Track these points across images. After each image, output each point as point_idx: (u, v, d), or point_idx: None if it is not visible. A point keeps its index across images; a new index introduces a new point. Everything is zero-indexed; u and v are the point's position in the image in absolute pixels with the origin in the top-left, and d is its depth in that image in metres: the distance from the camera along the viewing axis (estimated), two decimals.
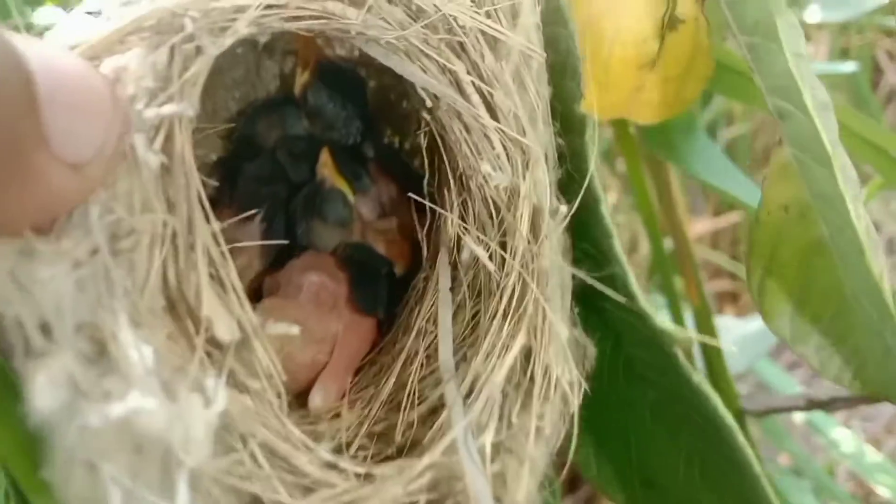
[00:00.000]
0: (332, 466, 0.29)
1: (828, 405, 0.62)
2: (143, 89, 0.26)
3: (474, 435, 0.29)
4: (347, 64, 0.49)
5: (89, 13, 0.30)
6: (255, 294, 0.43)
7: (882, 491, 0.71)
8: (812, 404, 0.63)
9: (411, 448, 0.32)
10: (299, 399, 0.40)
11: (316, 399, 0.38)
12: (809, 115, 0.32)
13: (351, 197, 0.45)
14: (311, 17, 0.29)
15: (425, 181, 0.37)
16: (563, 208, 0.32)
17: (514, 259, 0.32)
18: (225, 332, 0.27)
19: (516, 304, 0.32)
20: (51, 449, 0.23)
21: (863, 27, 1.26)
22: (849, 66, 0.86)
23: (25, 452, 0.26)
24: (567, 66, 0.35)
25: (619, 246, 0.32)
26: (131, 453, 0.23)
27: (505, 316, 0.32)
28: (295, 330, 0.28)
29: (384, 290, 0.42)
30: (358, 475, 0.29)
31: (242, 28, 0.27)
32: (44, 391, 0.22)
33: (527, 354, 0.31)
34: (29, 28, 0.34)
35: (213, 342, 0.28)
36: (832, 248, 0.37)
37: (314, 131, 0.49)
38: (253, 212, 0.42)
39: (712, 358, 0.64)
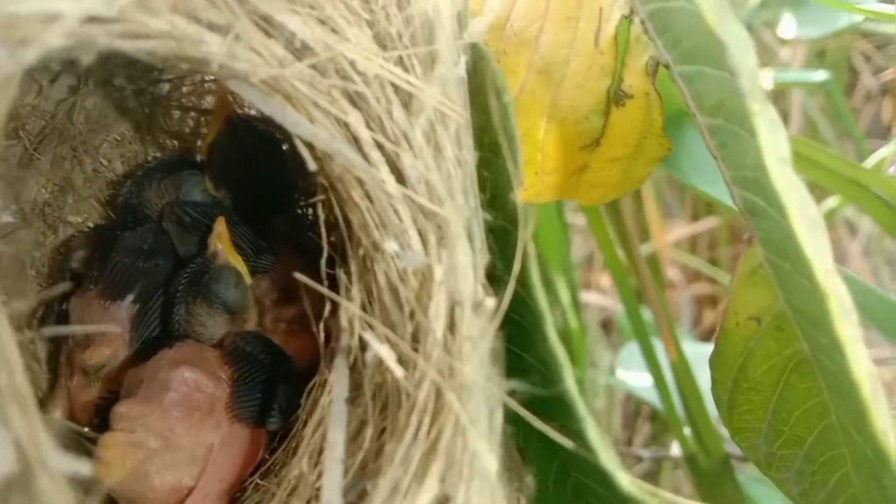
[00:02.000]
0: None
1: None
2: None
3: None
4: (262, 123, 0.42)
5: None
6: (112, 390, 0.34)
7: None
8: None
9: None
10: None
11: None
12: (794, 233, 0.25)
13: (247, 277, 0.37)
14: (154, 37, 0.22)
15: (322, 260, 0.30)
16: (490, 302, 0.24)
17: (427, 364, 0.25)
18: None
19: (430, 426, 0.24)
20: None
21: (839, 30, 1.26)
22: (820, 75, 0.83)
23: None
24: (500, 144, 0.28)
25: (572, 382, 0.24)
26: None
27: (415, 440, 0.25)
28: (85, 469, 0.19)
29: (278, 395, 0.34)
30: None
31: (54, 40, 0.20)
32: None
33: (443, 499, 0.23)
34: None
35: None
36: (815, 367, 0.30)
37: (217, 197, 0.42)
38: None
39: (693, 408, 0.57)
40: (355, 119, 0.26)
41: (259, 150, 0.42)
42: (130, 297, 0.37)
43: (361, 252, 0.28)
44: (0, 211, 0.35)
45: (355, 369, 0.30)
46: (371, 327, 0.28)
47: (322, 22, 0.26)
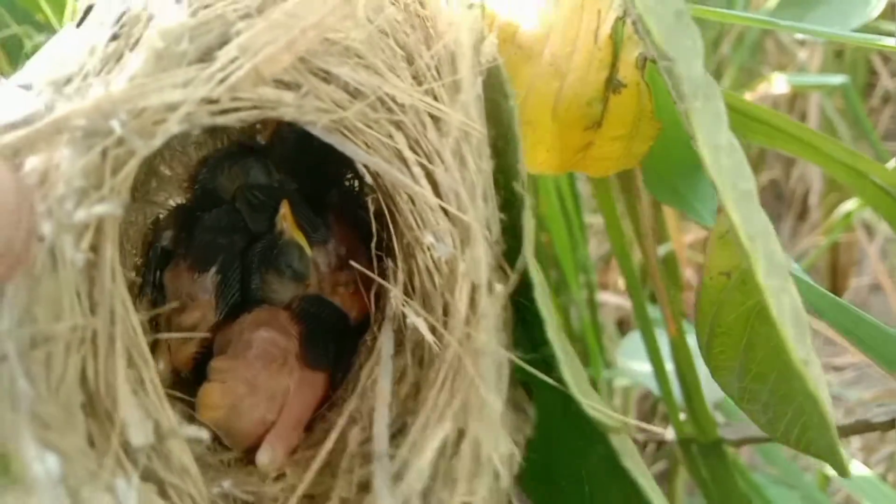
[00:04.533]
0: None
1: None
2: (74, 189, 0.26)
3: None
4: None
5: (21, 86, 0.31)
6: (205, 348, 0.43)
7: None
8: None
9: None
10: (249, 455, 0.41)
11: (263, 459, 0.39)
12: (728, 209, 0.32)
13: (308, 250, 0.45)
14: (244, 109, 0.29)
15: (373, 245, 0.38)
16: (500, 288, 0.32)
17: (451, 335, 0.33)
18: (139, 435, 0.27)
19: (452, 379, 0.32)
20: None
21: (857, 31, 1.26)
22: (837, 79, 0.86)
23: None
24: (509, 139, 0.35)
25: (553, 332, 0.32)
26: None
27: (442, 389, 0.33)
28: (204, 435, 0.28)
29: (335, 345, 0.43)
30: None
31: (173, 127, 0.27)
32: None
33: (459, 431, 0.32)
34: None
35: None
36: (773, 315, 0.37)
37: (280, 180, 0.50)
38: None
39: (690, 389, 0.64)
40: (400, 142, 0.33)
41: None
42: (214, 269, 0.45)
43: (405, 242, 0.36)
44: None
45: (399, 331, 0.38)
46: (411, 301, 0.36)
47: (367, 67, 0.32)
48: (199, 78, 0.27)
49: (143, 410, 0.28)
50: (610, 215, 0.58)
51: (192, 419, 0.40)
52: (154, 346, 0.46)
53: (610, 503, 0.42)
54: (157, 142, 0.27)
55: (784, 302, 0.30)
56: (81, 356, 0.26)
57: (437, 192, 0.33)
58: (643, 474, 0.32)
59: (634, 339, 0.81)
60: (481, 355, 0.32)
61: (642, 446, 1.07)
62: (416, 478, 0.31)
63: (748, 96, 0.92)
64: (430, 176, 0.34)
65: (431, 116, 0.34)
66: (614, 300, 1.11)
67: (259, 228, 0.47)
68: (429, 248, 0.34)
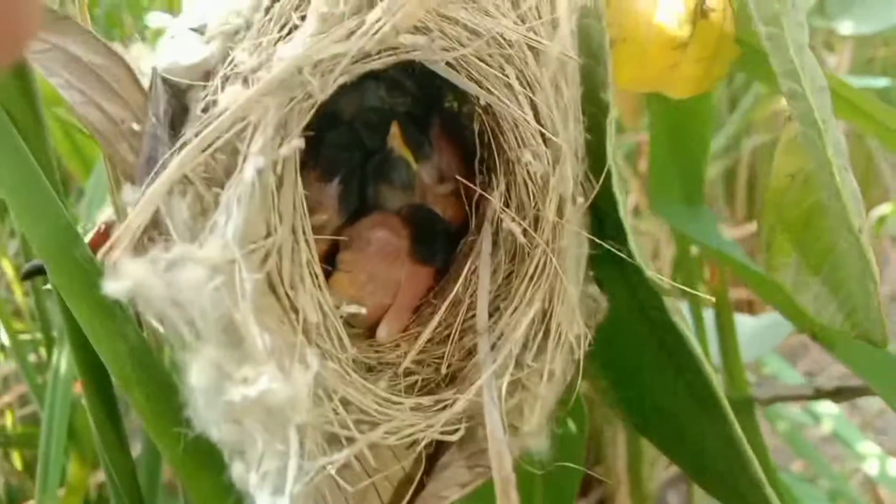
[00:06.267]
0: (389, 402, 0.38)
1: (834, 395, 0.68)
2: (277, 132, 0.34)
3: (497, 376, 0.37)
4: None
5: (193, 29, 0.38)
6: (332, 245, 0.52)
7: None
8: (819, 394, 0.70)
9: (451, 379, 0.41)
10: (370, 331, 0.50)
11: (381, 333, 0.48)
12: (808, 96, 0.38)
13: (414, 164, 0.53)
14: (386, 56, 0.36)
15: (476, 161, 0.45)
16: (581, 200, 0.39)
17: (541, 236, 0.40)
18: (313, 315, 0.36)
19: (539, 272, 0.40)
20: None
21: (888, 38, 1.22)
22: (881, 82, 0.86)
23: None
24: (599, 59, 0.41)
25: (623, 216, 0.39)
26: (262, 414, 0.32)
27: (531, 280, 0.40)
28: (363, 311, 0.37)
29: (440, 245, 0.51)
30: (410, 408, 0.38)
31: (339, 76, 0.35)
32: (195, 376, 0.32)
33: (544, 313, 0.39)
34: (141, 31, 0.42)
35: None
36: (828, 211, 0.43)
37: (392, 103, 0.57)
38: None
39: (728, 349, 0.69)
40: (509, 74, 0.39)
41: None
42: (337, 180, 0.53)
43: (506, 159, 0.43)
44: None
45: (496, 234, 0.45)
46: (508, 208, 0.43)
47: (481, 11, 0.39)
48: (355, 34, 0.35)
49: (313, 297, 0.37)
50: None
51: None
52: None
53: (661, 383, 0.49)
54: (329, 91, 0.35)
55: (846, 178, 0.36)
56: (275, 255, 0.35)
57: (536, 116, 0.40)
58: (686, 327, 0.39)
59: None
60: (564, 254, 0.39)
61: None
62: (511, 347, 0.39)
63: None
64: (531, 103, 0.40)
65: (533, 50, 0.40)
66: None
67: (373, 145, 0.55)
68: (526, 165, 0.41)
